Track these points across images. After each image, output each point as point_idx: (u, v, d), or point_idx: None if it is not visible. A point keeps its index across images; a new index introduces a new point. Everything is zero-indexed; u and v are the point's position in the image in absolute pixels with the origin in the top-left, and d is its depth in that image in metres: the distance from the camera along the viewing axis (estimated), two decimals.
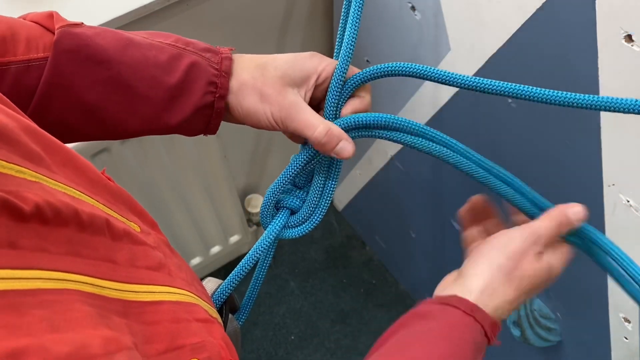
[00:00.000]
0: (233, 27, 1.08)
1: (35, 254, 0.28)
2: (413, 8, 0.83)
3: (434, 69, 0.50)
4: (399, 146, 1.06)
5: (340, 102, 0.53)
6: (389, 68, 0.52)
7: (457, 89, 0.83)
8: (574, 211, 0.52)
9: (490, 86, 0.50)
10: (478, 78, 0.49)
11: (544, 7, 0.61)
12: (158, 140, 1.09)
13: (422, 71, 0.51)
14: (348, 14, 0.54)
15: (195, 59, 0.51)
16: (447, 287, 0.50)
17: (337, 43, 0.55)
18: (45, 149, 0.35)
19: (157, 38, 0.52)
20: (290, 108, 0.50)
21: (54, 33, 0.47)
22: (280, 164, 1.44)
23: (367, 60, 1.07)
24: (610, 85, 0.59)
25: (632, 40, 0.54)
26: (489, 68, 0.75)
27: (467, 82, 0.50)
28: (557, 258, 0.51)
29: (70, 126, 0.51)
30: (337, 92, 0.52)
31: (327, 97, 0.52)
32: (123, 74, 0.49)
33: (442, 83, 0.51)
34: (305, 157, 0.55)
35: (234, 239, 1.44)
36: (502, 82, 0.49)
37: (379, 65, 0.52)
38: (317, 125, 0.50)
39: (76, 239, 0.32)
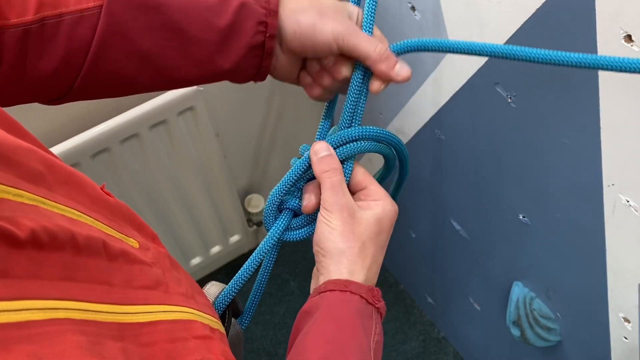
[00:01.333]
0: None
1: (26, 281, 0.28)
2: (413, 8, 0.83)
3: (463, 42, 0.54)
4: None
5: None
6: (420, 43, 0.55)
7: (457, 89, 0.83)
8: (315, 151, 0.54)
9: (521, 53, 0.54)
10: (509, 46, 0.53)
11: (544, 7, 0.61)
12: (158, 140, 1.09)
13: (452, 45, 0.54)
14: None
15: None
16: (318, 282, 0.53)
17: None
18: (47, 167, 0.35)
19: None
20: (350, 27, 0.52)
21: None
22: (281, 164, 1.44)
23: None
24: (610, 85, 0.59)
25: (632, 40, 0.54)
26: (489, 68, 0.75)
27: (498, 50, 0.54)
28: (366, 201, 0.54)
29: (127, 76, 0.52)
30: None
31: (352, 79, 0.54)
32: (175, 18, 0.50)
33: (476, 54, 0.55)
34: (309, 160, 0.55)
35: (234, 239, 1.44)
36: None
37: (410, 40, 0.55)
38: (377, 43, 0.52)
39: (71, 262, 0.31)
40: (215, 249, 1.42)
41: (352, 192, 0.55)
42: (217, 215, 1.34)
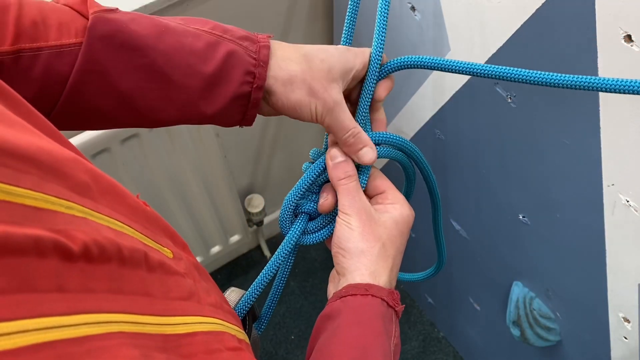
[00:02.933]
0: None
1: (80, 295, 0.27)
2: (413, 8, 0.83)
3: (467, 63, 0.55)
4: None
5: (373, 89, 0.56)
6: (422, 61, 0.56)
7: (457, 89, 0.83)
8: (331, 156, 0.55)
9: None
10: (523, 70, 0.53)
11: (544, 7, 0.61)
12: (158, 140, 1.09)
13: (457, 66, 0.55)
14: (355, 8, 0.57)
15: (232, 47, 0.50)
16: (338, 286, 0.52)
17: (344, 33, 0.58)
18: (92, 178, 0.34)
19: (193, 25, 0.51)
20: (335, 106, 0.52)
21: (87, 18, 0.46)
22: (281, 164, 1.44)
23: None
24: None
25: (632, 41, 0.54)
26: None
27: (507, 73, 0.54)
28: (383, 205, 0.54)
29: (104, 113, 0.50)
30: (373, 83, 0.55)
31: (364, 87, 0.55)
32: (158, 62, 0.48)
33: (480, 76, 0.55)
34: (322, 165, 0.56)
35: (234, 239, 1.44)
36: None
37: (412, 57, 0.56)
38: (349, 128, 0.53)
39: (117, 274, 0.31)
40: (215, 249, 1.42)
41: (370, 196, 0.56)
42: (217, 215, 1.34)
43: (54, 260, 0.26)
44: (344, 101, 0.53)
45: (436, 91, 0.89)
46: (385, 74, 0.56)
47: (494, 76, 0.55)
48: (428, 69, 0.57)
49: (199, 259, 1.41)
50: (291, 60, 0.51)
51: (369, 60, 0.55)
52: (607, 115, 0.61)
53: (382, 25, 0.55)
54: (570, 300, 0.87)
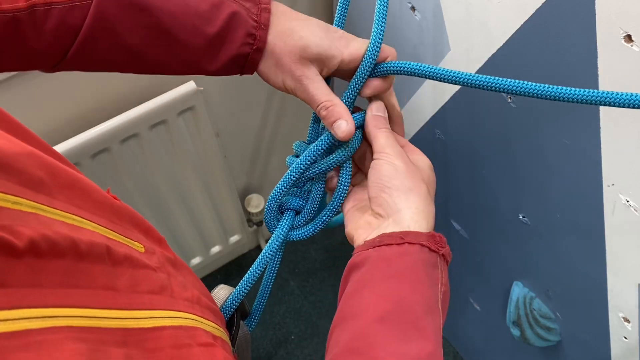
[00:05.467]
0: None
1: (25, 290, 0.27)
2: (413, 8, 0.83)
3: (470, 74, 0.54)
4: None
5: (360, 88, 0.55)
6: (424, 69, 0.54)
7: (457, 89, 0.83)
8: (375, 107, 0.56)
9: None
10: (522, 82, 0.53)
11: (544, 7, 0.61)
12: (158, 140, 1.09)
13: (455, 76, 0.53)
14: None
15: (235, 8, 0.51)
16: (376, 230, 0.51)
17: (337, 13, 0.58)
18: (47, 173, 0.34)
19: None
20: (301, 79, 0.52)
21: None
22: (280, 164, 1.44)
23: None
24: (609, 86, 0.59)
25: (632, 41, 0.54)
26: (489, 68, 0.75)
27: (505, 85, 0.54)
28: (410, 155, 0.54)
29: (114, 65, 0.53)
30: (361, 80, 0.54)
31: (350, 83, 0.55)
32: (164, 21, 0.50)
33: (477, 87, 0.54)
34: (306, 161, 0.55)
35: (234, 239, 1.44)
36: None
37: (415, 63, 0.54)
38: (320, 101, 0.53)
39: (73, 269, 0.31)
40: (215, 249, 1.42)
41: None
42: (217, 215, 1.34)
43: None
44: (317, 76, 0.53)
45: (436, 91, 0.89)
46: (378, 74, 0.55)
47: (495, 88, 0.54)
48: (424, 77, 0.55)
49: (198, 259, 1.41)
50: (273, 29, 0.52)
51: (363, 54, 0.54)
52: (607, 115, 0.61)
53: (380, 21, 0.54)
54: (571, 300, 0.87)
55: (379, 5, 0.54)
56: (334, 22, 0.58)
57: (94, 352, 0.29)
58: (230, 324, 0.55)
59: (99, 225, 0.37)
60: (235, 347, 0.53)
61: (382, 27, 0.54)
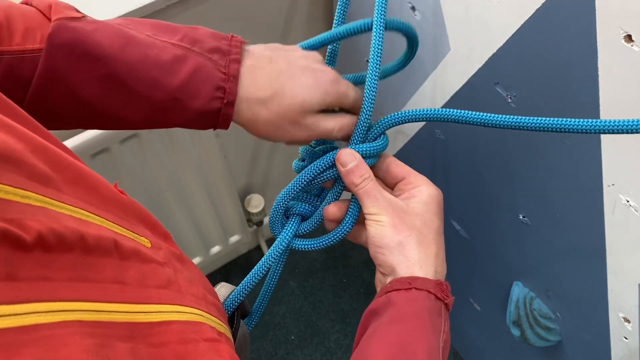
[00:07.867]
0: (233, 27, 1.07)
1: (35, 284, 0.27)
2: (413, 8, 0.83)
3: (467, 113, 0.54)
4: (398, 147, 1.06)
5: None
6: (417, 114, 0.54)
7: (457, 89, 0.83)
8: (342, 162, 0.53)
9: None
10: (515, 117, 0.54)
11: (543, 7, 0.61)
12: (158, 140, 1.09)
13: (456, 115, 0.54)
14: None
15: (200, 61, 0.49)
16: (384, 282, 0.51)
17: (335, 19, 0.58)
18: (55, 168, 0.34)
19: (162, 36, 0.50)
20: (309, 127, 0.52)
21: None
22: (281, 164, 1.44)
23: (367, 60, 1.07)
24: (609, 86, 0.59)
25: (632, 41, 0.54)
26: (489, 68, 0.75)
27: (503, 121, 0.55)
28: (407, 191, 0.53)
29: (72, 119, 0.50)
30: (359, 141, 0.54)
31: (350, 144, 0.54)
32: (120, 73, 0.47)
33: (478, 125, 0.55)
34: (321, 166, 0.54)
35: (234, 239, 1.44)
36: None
37: (409, 111, 0.55)
38: (329, 131, 0.53)
39: (81, 263, 0.31)
40: (215, 249, 1.42)
41: (391, 186, 0.54)
42: (217, 215, 1.34)
43: (4, 249, 0.26)
44: (317, 115, 0.52)
45: (436, 91, 0.89)
46: (373, 136, 0.55)
47: (501, 125, 0.54)
48: (420, 121, 0.55)
49: (198, 259, 1.41)
50: (256, 84, 0.50)
51: (357, 120, 0.54)
52: (607, 115, 0.61)
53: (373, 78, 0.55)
54: (571, 300, 0.87)
55: (378, 6, 0.54)
56: (334, 22, 0.58)
57: (101, 347, 0.29)
58: (230, 322, 0.55)
59: (106, 219, 0.37)
60: (235, 346, 0.54)
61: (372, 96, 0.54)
